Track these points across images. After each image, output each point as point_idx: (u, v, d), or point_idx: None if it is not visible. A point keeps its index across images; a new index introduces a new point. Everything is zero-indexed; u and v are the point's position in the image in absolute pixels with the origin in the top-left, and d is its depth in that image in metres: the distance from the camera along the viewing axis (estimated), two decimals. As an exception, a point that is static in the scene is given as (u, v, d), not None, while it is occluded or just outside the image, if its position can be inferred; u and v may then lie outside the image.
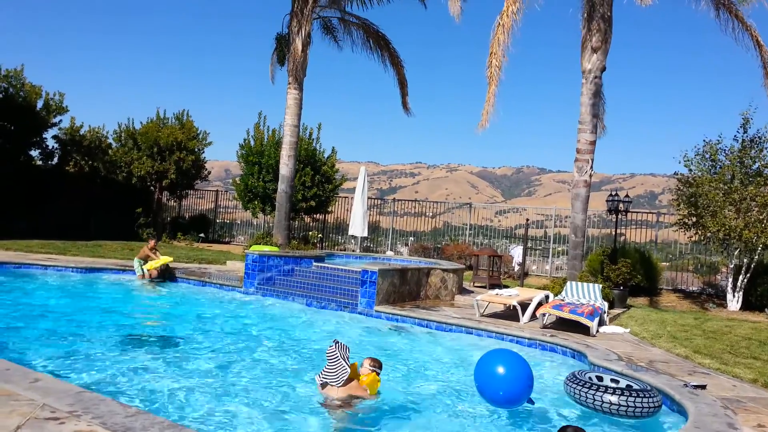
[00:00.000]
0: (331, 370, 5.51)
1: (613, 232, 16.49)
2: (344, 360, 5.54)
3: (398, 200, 25.32)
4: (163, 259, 13.25)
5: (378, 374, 5.86)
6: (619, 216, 15.36)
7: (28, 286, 11.37)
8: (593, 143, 13.15)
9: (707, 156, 14.91)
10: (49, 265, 13.13)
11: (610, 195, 15.12)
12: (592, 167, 13.11)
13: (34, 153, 22.21)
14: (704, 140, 14.97)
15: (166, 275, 13.20)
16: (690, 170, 15.07)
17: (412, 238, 24.41)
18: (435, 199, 30.76)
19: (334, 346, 5.58)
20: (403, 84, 20.05)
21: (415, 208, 25.33)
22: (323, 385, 5.58)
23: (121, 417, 3.80)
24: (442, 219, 25.84)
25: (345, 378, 5.48)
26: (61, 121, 22.14)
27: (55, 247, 16.24)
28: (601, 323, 9.94)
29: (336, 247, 23.87)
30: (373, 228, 23.82)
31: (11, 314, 8.66)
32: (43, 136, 22.01)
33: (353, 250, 21.59)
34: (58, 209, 21.56)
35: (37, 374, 4.63)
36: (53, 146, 22.57)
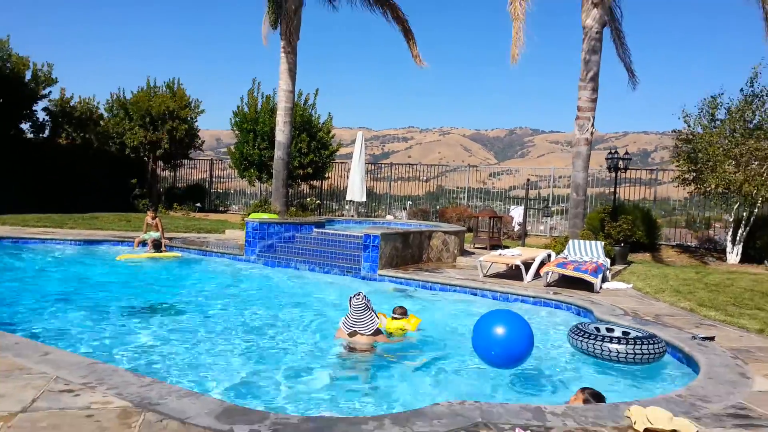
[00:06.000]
0: (361, 319, 5.92)
1: (610, 191, 16.46)
2: (372, 311, 5.99)
3: (394, 164, 25.14)
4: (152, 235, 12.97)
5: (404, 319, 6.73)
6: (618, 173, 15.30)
7: (27, 261, 11.29)
8: (594, 100, 12.97)
9: (707, 111, 14.78)
10: (47, 239, 13.02)
11: (610, 153, 15.04)
12: (593, 125, 12.96)
13: (25, 126, 21.82)
14: (711, 96, 14.80)
15: (160, 248, 12.92)
16: (689, 125, 14.95)
17: (410, 202, 24.34)
18: (428, 162, 30.58)
19: (360, 298, 5.98)
20: (409, 37, 18.99)
21: (409, 172, 25.18)
22: (352, 333, 5.93)
23: (137, 387, 3.77)
24: (435, 182, 25.74)
25: (375, 327, 5.93)
26: (50, 92, 21.68)
27: (52, 221, 16.10)
28: (603, 279, 9.97)
29: (331, 214, 23.78)
30: (368, 193, 23.71)
31: (12, 289, 8.59)
32: (33, 108, 21.57)
33: (352, 216, 21.53)
34: (51, 182, 21.31)
35: (47, 348, 4.58)
36: (44, 118, 22.17)
